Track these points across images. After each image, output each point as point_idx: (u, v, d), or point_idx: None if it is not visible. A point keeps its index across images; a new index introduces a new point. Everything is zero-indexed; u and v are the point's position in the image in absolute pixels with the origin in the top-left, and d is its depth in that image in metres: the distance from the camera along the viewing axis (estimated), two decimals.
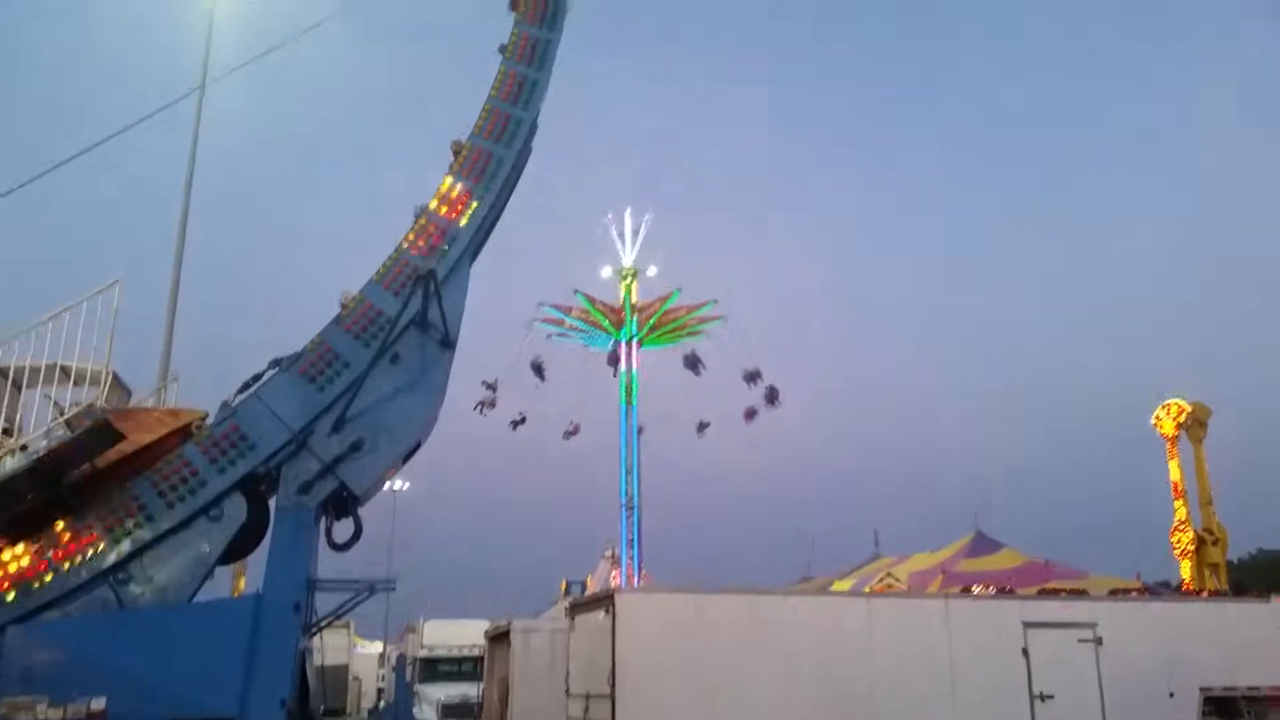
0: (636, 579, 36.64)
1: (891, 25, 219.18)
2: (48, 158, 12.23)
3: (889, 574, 37.15)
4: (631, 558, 37.52)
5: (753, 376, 38.11)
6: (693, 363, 38.72)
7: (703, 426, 39.57)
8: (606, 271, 42.40)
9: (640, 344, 40.35)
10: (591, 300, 40.39)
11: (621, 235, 42.95)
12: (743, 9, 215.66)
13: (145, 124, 13.52)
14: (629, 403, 39.79)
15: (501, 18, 13.74)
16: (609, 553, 40.43)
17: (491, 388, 38.34)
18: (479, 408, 38.20)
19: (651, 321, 40.20)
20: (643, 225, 43.02)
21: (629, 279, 41.90)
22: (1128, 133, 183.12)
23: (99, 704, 8.70)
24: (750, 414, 38.67)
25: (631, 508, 38.17)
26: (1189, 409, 35.62)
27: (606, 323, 40.28)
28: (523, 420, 38.66)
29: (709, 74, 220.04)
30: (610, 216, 43.45)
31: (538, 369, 38.53)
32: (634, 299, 41.49)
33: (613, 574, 38.81)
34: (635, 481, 38.57)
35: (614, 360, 39.19)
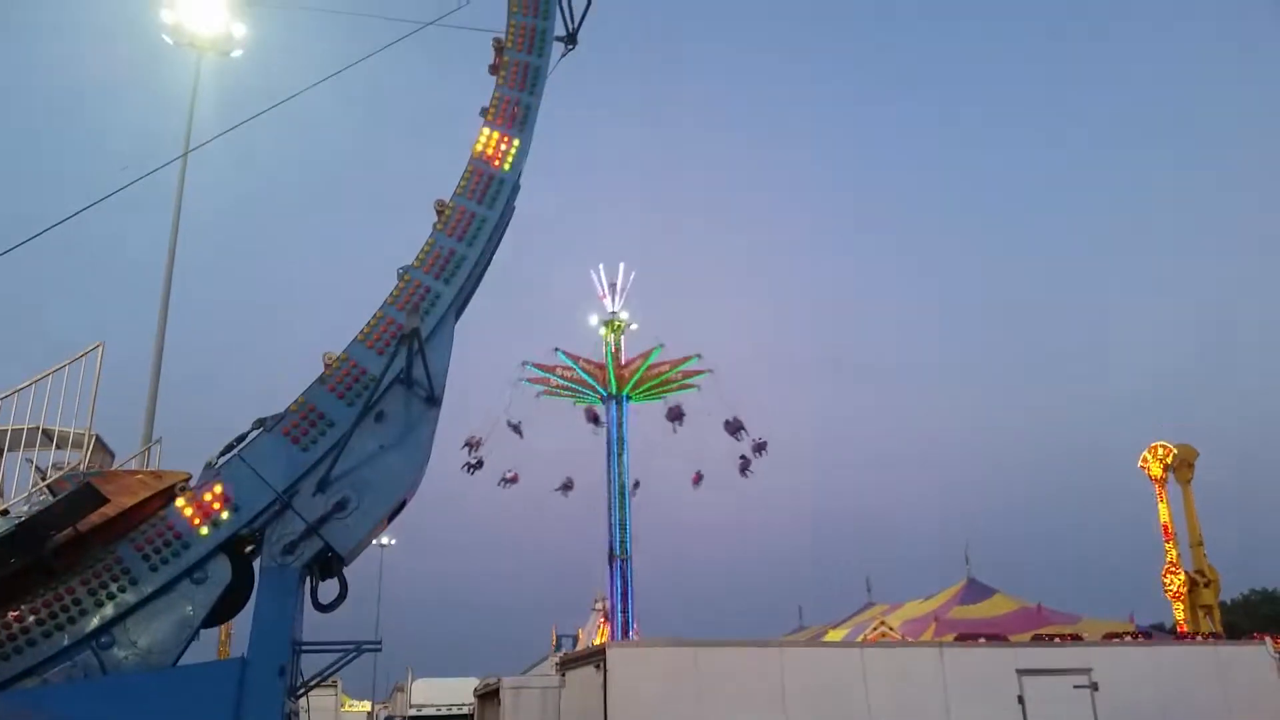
0: (629, 632, 36.39)
1: (880, 64, 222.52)
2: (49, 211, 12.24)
3: (882, 622, 36.95)
4: (623, 610, 37.27)
5: (760, 447, 38.67)
6: (675, 415, 39.25)
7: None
8: (593, 320, 42.87)
9: (628, 399, 40.65)
10: (575, 359, 40.79)
11: (609, 286, 43.45)
12: (733, 47, 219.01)
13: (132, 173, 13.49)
14: (619, 454, 39.86)
15: (484, 80, 13.98)
16: (599, 605, 40.18)
17: (516, 429, 38.83)
18: (466, 447, 38.47)
19: (636, 376, 40.54)
20: (629, 278, 43.61)
21: (615, 330, 42.25)
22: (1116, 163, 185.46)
23: None
24: (745, 467, 39.14)
25: (625, 558, 38.04)
26: (1176, 451, 35.79)
27: (594, 381, 40.55)
28: (479, 464, 38.89)
29: (695, 120, 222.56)
30: (601, 268, 44.06)
31: (515, 427, 39.09)
32: (619, 350, 41.85)
33: (599, 626, 38.54)
34: (627, 535, 38.54)
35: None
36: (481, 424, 39.06)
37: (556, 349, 41.13)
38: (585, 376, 40.75)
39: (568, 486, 39.82)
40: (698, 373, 41.09)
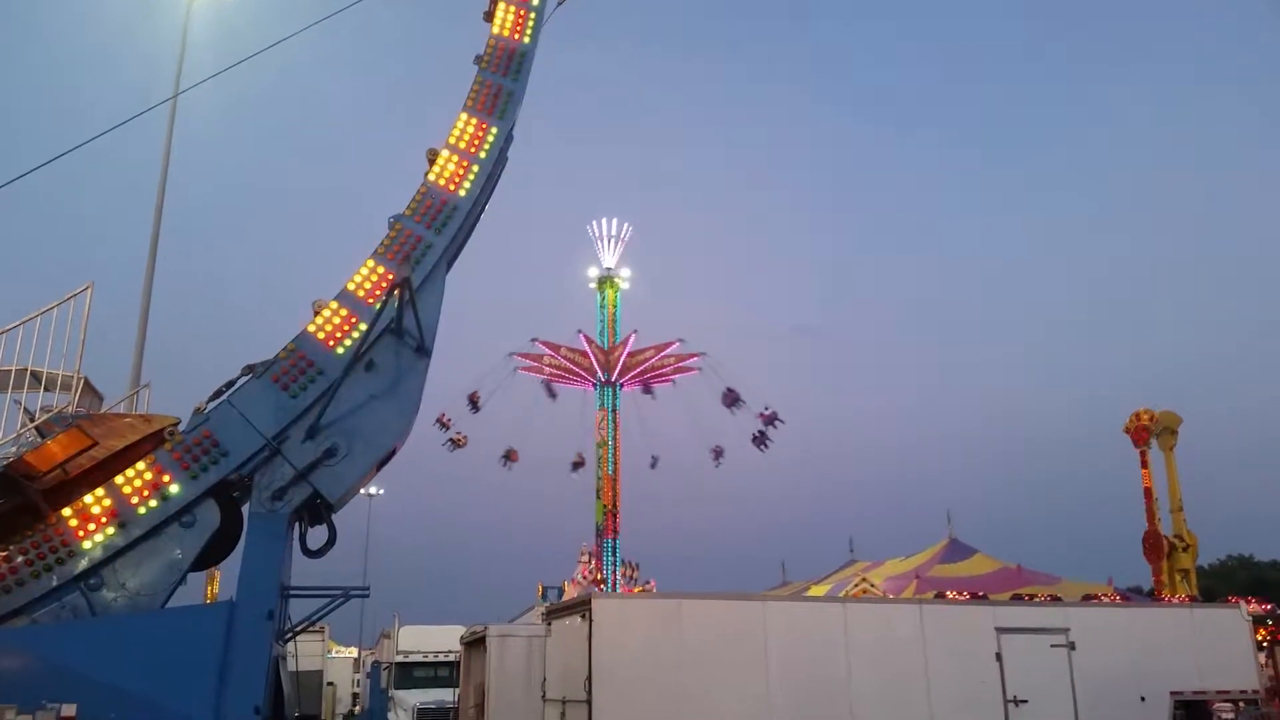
0: (613, 577, 37.11)
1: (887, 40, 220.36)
2: (28, 160, 12.10)
3: (864, 579, 37.33)
4: (601, 565, 37.86)
5: (771, 420, 39.23)
6: (732, 400, 39.81)
7: (576, 467, 40.67)
8: (590, 279, 42.88)
9: (622, 384, 41.14)
10: (588, 341, 41.09)
11: (603, 241, 43.34)
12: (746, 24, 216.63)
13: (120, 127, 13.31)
14: (612, 430, 40.19)
15: (478, 27, 13.79)
16: (585, 557, 40.56)
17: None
18: (465, 409, 38.87)
19: (642, 365, 41.12)
20: (623, 234, 43.48)
21: (610, 288, 42.27)
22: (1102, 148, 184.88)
23: (69, 711, 8.64)
24: (718, 453, 39.96)
25: (614, 513, 38.54)
26: (1159, 417, 36.05)
27: (596, 364, 40.84)
28: (448, 423, 39.15)
29: (703, 80, 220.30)
30: (592, 225, 43.89)
31: (549, 388, 39.68)
32: (613, 308, 41.98)
33: (587, 566, 39.00)
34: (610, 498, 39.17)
35: (733, 401, 40.50)
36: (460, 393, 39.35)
37: (579, 331, 41.53)
38: (592, 360, 41.02)
39: (509, 457, 40.05)
40: (690, 368, 41.58)
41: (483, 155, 12.69)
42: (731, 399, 39.89)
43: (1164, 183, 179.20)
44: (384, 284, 11.32)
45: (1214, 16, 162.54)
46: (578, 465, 40.49)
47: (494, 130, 12.88)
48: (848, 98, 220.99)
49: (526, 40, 13.66)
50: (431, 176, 12.46)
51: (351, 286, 11.60)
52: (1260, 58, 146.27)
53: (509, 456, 39.83)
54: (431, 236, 12.03)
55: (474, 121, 12.87)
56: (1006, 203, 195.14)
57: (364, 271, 11.70)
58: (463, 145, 12.70)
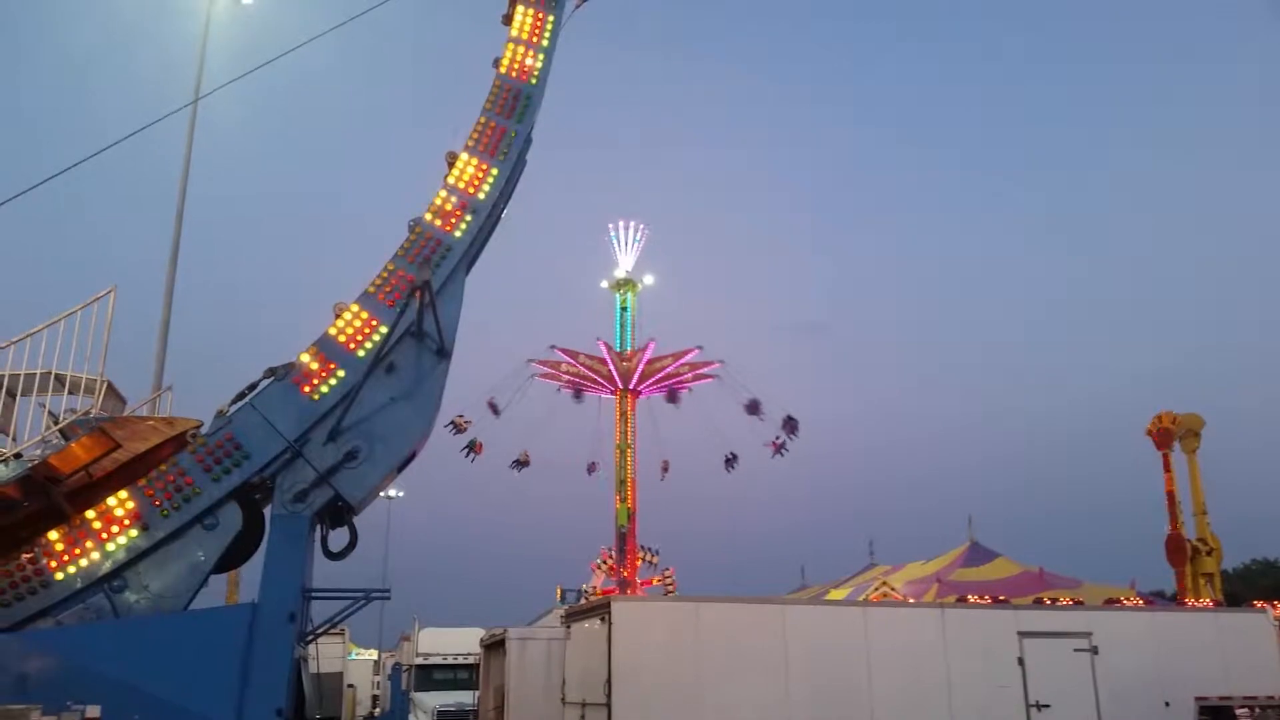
0: (632, 568, 37.24)
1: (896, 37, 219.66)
2: (46, 163, 12.19)
3: (884, 583, 37.10)
4: (625, 566, 37.89)
5: (793, 429, 39.12)
6: (754, 409, 39.79)
7: (591, 470, 40.65)
8: (607, 283, 42.91)
9: (639, 391, 41.12)
10: (598, 356, 40.91)
11: (621, 245, 43.39)
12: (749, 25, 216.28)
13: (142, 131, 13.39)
14: (628, 437, 40.21)
15: (497, 31, 13.82)
16: (602, 560, 40.61)
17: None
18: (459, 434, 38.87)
19: (656, 371, 41.07)
20: (641, 236, 43.57)
21: (628, 290, 42.28)
22: (1119, 142, 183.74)
23: (93, 712, 8.68)
24: (780, 447, 39.83)
25: (631, 512, 38.62)
26: (1182, 419, 35.72)
27: (612, 372, 40.76)
28: (468, 437, 39.08)
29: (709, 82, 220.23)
30: (613, 227, 43.93)
31: (493, 407, 39.37)
32: (633, 312, 42.00)
33: (610, 558, 39.07)
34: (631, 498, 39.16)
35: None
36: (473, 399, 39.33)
37: (598, 339, 41.37)
38: (606, 366, 40.95)
39: (473, 448, 39.56)
40: (708, 376, 41.54)
41: (501, 158, 12.74)
42: (754, 408, 39.79)
43: (1166, 182, 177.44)
44: (404, 286, 11.36)
45: (1215, 16, 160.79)
46: (592, 469, 40.55)
47: (513, 133, 12.92)
48: (848, 98, 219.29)
49: (544, 45, 13.71)
50: (451, 179, 12.50)
51: (372, 289, 11.65)
52: (1260, 57, 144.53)
53: (473, 448, 39.36)
54: (451, 239, 12.08)
55: (493, 125, 12.91)
56: (1007, 202, 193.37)
57: (384, 274, 11.75)
58: (482, 148, 12.74)
